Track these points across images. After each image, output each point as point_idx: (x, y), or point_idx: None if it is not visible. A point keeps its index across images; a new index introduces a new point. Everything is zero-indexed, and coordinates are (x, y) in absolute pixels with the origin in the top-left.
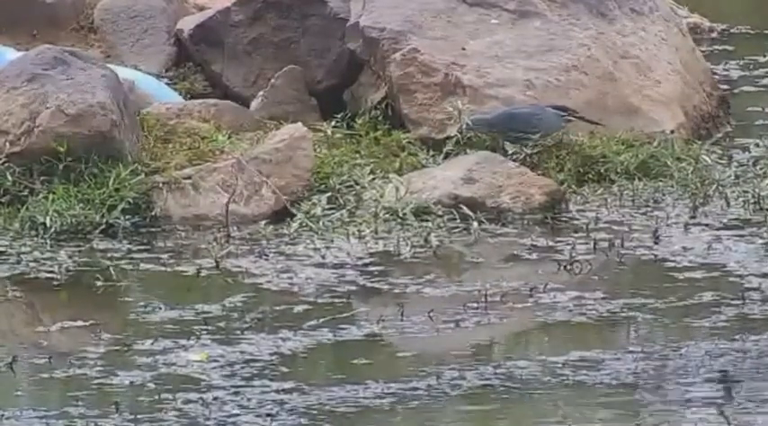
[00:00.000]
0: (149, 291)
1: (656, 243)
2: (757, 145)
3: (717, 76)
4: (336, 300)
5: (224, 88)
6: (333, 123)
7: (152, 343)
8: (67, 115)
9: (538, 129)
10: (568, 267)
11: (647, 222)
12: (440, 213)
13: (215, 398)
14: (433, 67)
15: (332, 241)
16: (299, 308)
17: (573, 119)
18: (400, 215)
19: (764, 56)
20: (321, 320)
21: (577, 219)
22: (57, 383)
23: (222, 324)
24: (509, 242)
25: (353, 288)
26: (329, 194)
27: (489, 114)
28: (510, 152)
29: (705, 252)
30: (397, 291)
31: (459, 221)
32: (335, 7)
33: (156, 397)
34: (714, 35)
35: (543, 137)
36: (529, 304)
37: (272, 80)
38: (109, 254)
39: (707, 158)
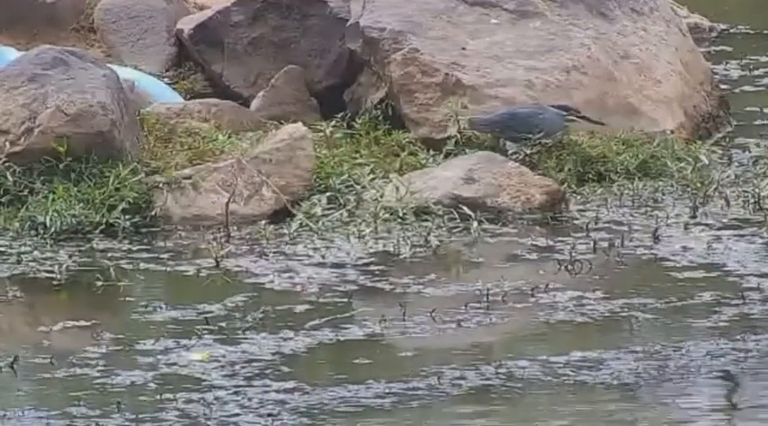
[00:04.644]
0: (150, 291)
1: (656, 242)
2: (757, 145)
3: (717, 76)
4: (337, 300)
5: (224, 88)
6: (333, 123)
7: (153, 343)
8: (67, 115)
9: (540, 129)
10: (569, 267)
11: (647, 222)
12: (440, 213)
13: (216, 398)
14: (433, 67)
15: (332, 241)
16: (299, 308)
17: (575, 118)
18: (400, 215)
19: (765, 56)
20: (322, 320)
21: (577, 219)
22: (58, 383)
23: (223, 324)
24: (509, 242)
25: (354, 287)
26: (329, 194)
27: (491, 114)
28: (510, 152)
29: (705, 252)
30: (398, 291)
31: (459, 221)
32: (336, 7)
33: (158, 397)
34: (714, 35)
35: (545, 136)
36: (529, 304)
37: (273, 80)
38: (109, 254)
39: (706, 158)
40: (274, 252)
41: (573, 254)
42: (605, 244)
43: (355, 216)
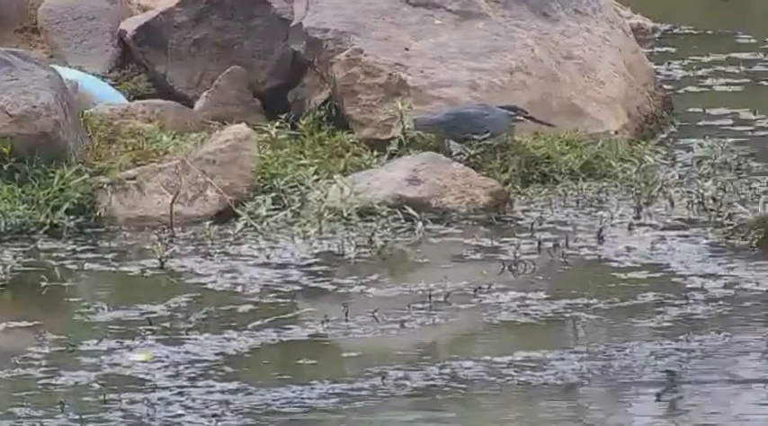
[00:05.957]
0: (94, 291)
1: (600, 243)
2: (700, 145)
3: (660, 77)
4: (281, 300)
5: (168, 89)
6: (277, 124)
7: (97, 344)
8: (11, 116)
9: (486, 130)
10: (513, 267)
11: (591, 222)
12: (384, 213)
13: (160, 398)
14: (376, 68)
15: (276, 241)
16: (243, 308)
17: (522, 119)
18: (344, 215)
19: (707, 56)
20: (266, 320)
21: (522, 220)
22: (1, 383)
23: (167, 325)
24: (453, 242)
25: (298, 288)
26: (274, 195)
27: (437, 114)
28: (454, 153)
29: (649, 253)
30: (341, 291)
31: (403, 221)
32: (279, 8)
33: (102, 397)
34: (657, 36)
35: (491, 137)
36: (473, 304)
37: (216, 81)
38: (53, 255)
39: (651, 159)
40: (219, 253)
41: (517, 255)
42: (549, 245)
43: (300, 216)
